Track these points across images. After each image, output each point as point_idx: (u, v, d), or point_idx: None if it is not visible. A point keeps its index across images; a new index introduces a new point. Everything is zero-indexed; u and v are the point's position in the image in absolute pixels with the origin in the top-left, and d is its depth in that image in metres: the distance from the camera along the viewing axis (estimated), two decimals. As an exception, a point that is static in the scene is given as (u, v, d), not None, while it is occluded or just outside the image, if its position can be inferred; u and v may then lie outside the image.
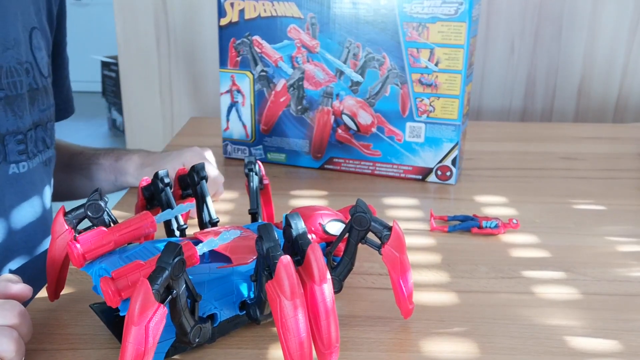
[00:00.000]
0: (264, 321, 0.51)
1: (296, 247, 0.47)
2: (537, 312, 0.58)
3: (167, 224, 0.60)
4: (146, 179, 0.62)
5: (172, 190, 0.61)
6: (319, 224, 0.58)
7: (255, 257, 0.50)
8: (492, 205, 0.82)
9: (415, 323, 0.55)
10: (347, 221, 0.55)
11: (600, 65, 1.40)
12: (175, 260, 0.41)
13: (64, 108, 0.87)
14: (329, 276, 0.45)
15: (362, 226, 0.52)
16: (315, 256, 0.45)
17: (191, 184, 0.63)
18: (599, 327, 0.55)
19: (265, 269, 0.45)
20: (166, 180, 0.61)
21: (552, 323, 0.56)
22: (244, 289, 0.51)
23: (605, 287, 0.62)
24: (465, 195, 0.86)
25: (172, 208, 0.59)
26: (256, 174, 0.64)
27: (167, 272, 0.41)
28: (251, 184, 0.64)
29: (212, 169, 0.79)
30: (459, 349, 0.52)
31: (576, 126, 1.29)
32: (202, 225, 0.62)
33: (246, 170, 0.65)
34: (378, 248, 0.53)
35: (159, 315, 0.40)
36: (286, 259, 0.43)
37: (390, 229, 0.52)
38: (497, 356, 0.51)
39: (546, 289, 0.62)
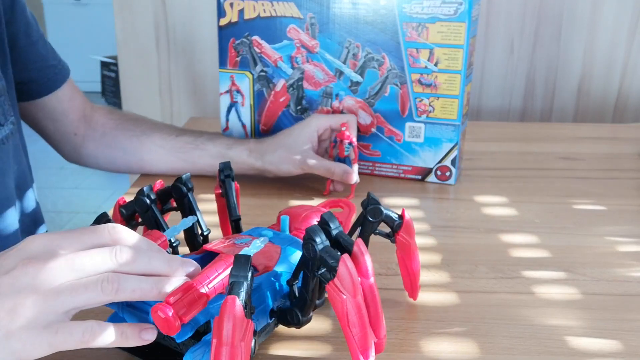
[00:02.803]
0: (305, 324, 0.50)
1: (339, 248, 0.47)
2: (537, 312, 0.58)
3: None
4: (122, 198, 0.58)
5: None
6: (317, 222, 0.58)
7: (274, 263, 0.50)
8: (492, 206, 0.82)
9: (415, 323, 0.55)
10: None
11: (599, 65, 1.40)
12: (250, 272, 0.41)
13: (59, 72, 0.85)
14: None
15: (376, 217, 0.54)
16: (362, 251, 0.45)
17: (177, 196, 0.59)
18: (599, 327, 0.55)
19: (316, 270, 0.45)
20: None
21: (552, 323, 0.56)
22: (271, 296, 0.49)
23: (605, 287, 0.62)
24: (464, 195, 0.86)
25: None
26: (232, 180, 0.62)
27: (246, 285, 0.40)
28: (229, 191, 0.61)
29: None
30: (459, 349, 0.52)
31: (576, 126, 1.29)
32: (191, 238, 0.59)
33: (222, 177, 0.62)
34: (390, 237, 0.55)
35: (250, 332, 0.39)
36: (347, 258, 0.43)
37: (401, 217, 0.54)
38: (497, 356, 0.51)
39: (546, 289, 0.62)
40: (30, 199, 0.78)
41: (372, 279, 0.45)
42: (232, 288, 0.40)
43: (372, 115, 0.90)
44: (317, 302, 0.49)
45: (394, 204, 0.83)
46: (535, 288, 0.62)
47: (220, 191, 0.62)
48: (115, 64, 3.36)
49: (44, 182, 2.99)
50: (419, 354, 0.51)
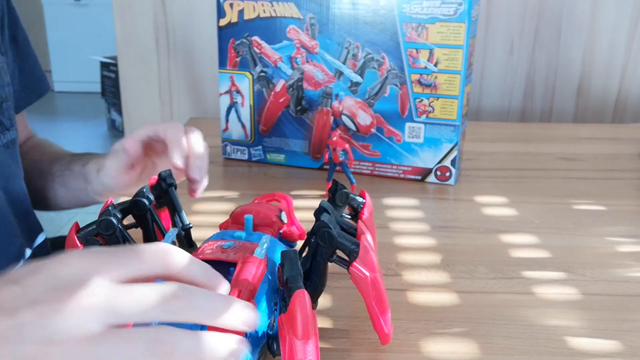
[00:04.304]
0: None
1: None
2: (537, 313, 0.58)
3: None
4: (77, 223, 0.52)
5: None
6: (276, 216, 0.57)
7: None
8: (492, 206, 0.82)
9: (415, 323, 0.55)
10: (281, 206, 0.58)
11: (599, 66, 1.40)
12: (300, 265, 0.42)
13: (39, 86, 0.81)
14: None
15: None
16: (363, 230, 0.47)
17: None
18: (599, 327, 0.55)
19: (330, 256, 0.47)
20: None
21: (551, 323, 0.56)
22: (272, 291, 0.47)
23: (604, 288, 0.62)
24: (464, 195, 0.86)
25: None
26: (175, 187, 0.59)
27: (301, 279, 0.42)
28: (175, 200, 0.58)
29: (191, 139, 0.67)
30: (458, 349, 0.52)
31: (575, 126, 1.29)
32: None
33: (164, 185, 0.58)
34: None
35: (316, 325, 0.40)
36: (366, 239, 0.43)
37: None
38: (496, 356, 0.51)
39: (546, 289, 0.62)
40: (30, 204, 0.78)
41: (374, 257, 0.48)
42: (291, 283, 0.41)
43: (372, 115, 0.90)
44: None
45: (393, 204, 0.83)
46: (534, 288, 0.62)
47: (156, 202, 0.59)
48: (115, 65, 3.36)
49: (43, 183, 2.99)
50: (418, 354, 0.51)
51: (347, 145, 0.86)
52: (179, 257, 0.36)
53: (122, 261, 0.35)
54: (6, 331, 0.32)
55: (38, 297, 0.33)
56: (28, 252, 0.75)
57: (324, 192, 0.86)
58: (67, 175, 0.78)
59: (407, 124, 0.89)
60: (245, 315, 0.37)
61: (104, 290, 0.33)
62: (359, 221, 0.52)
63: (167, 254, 0.36)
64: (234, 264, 0.45)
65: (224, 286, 0.38)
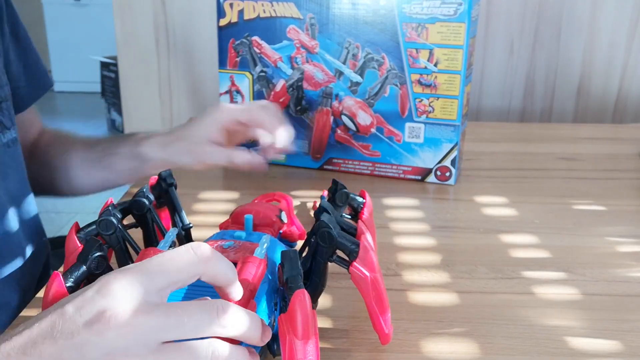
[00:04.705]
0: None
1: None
2: (537, 313, 0.58)
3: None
4: (77, 223, 0.52)
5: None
6: (276, 216, 0.57)
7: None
8: (492, 206, 0.82)
9: (415, 323, 0.55)
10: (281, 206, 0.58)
11: (599, 66, 1.40)
12: (300, 265, 0.43)
13: (44, 81, 0.83)
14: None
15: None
16: (363, 230, 0.47)
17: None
18: (599, 328, 0.55)
19: (330, 256, 0.47)
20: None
21: (551, 323, 0.56)
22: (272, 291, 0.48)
23: (604, 288, 0.62)
24: (464, 195, 0.86)
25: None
26: (176, 187, 0.60)
27: (301, 279, 0.42)
28: (176, 199, 0.59)
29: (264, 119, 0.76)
30: (458, 349, 0.52)
31: (575, 127, 1.29)
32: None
33: (164, 185, 0.59)
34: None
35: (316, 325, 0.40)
36: (366, 240, 0.43)
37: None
38: (496, 356, 0.51)
39: (546, 290, 0.62)
40: (32, 203, 0.78)
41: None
42: (291, 283, 0.41)
43: (372, 115, 0.90)
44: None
45: (393, 204, 0.83)
46: (534, 288, 0.62)
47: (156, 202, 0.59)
48: (115, 65, 3.36)
49: (43, 183, 2.98)
50: (418, 354, 0.51)
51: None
52: (211, 256, 0.38)
53: (164, 273, 0.36)
54: (67, 352, 0.33)
55: (92, 318, 0.34)
56: (29, 251, 0.75)
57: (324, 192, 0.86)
58: (110, 159, 0.80)
59: (407, 124, 0.89)
60: (267, 336, 0.40)
61: (156, 308, 0.35)
62: (359, 221, 0.52)
63: (202, 254, 0.38)
64: (234, 264, 0.45)
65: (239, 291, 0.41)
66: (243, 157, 0.75)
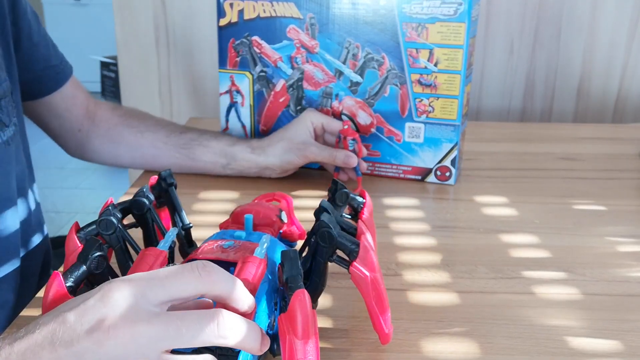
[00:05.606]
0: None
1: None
2: (537, 313, 0.58)
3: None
4: (77, 223, 0.52)
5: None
6: (276, 216, 0.57)
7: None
8: (492, 206, 0.82)
9: (415, 323, 0.55)
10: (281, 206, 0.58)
11: (599, 66, 1.40)
12: (300, 265, 0.43)
13: (61, 71, 0.87)
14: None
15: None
16: (363, 230, 0.47)
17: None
18: (599, 327, 0.55)
19: (330, 256, 0.47)
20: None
21: (551, 323, 0.56)
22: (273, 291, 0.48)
23: (605, 288, 0.62)
24: (464, 195, 0.86)
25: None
26: (176, 187, 0.60)
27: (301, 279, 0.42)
28: (176, 199, 0.59)
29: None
30: (458, 349, 0.52)
31: (575, 126, 1.29)
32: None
33: (164, 185, 0.59)
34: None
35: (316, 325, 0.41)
36: (366, 239, 0.43)
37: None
38: (496, 356, 0.51)
39: (546, 289, 0.62)
40: (31, 200, 0.78)
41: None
42: (291, 283, 0.41)
43: (372, 115, 0.90)
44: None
45: (393, 204, 0.83)
46: (535, 288, 0.62)
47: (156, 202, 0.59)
48: (115, 64, 3.36)
49: (44, 182, 2.99)
50: (418, 354, 0.51)
51: (357, 135, 0.86)
52: (217, 275, 0.39)
53: (166, 288, 0.37)
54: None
55: (92, 326, 0.34)
56: (28, 250, 0.75)
57: (323, 192, 0.86)
58: (198, 149, 0.88)
59: (407, 124, 0.89)
60: (265, 345, 0.41)
61: (156, 317, 0.35)
62: (359, 221, 0.52)
63: (206, 269, 0.38)
64: (234, 264, 0.45)
65: (251, 302, 0.41)
66: (343, 154, 0.84)
